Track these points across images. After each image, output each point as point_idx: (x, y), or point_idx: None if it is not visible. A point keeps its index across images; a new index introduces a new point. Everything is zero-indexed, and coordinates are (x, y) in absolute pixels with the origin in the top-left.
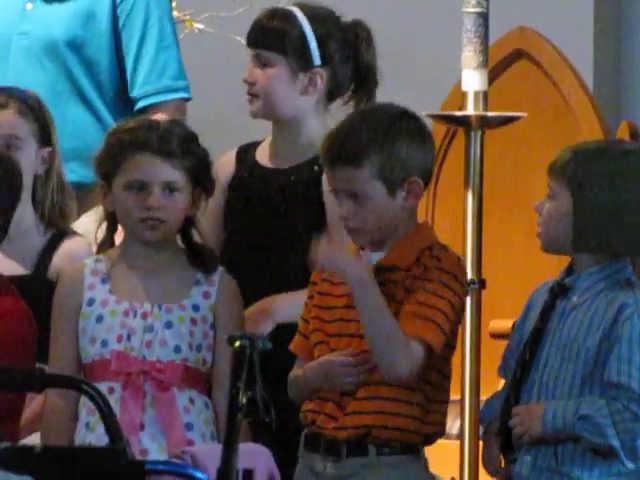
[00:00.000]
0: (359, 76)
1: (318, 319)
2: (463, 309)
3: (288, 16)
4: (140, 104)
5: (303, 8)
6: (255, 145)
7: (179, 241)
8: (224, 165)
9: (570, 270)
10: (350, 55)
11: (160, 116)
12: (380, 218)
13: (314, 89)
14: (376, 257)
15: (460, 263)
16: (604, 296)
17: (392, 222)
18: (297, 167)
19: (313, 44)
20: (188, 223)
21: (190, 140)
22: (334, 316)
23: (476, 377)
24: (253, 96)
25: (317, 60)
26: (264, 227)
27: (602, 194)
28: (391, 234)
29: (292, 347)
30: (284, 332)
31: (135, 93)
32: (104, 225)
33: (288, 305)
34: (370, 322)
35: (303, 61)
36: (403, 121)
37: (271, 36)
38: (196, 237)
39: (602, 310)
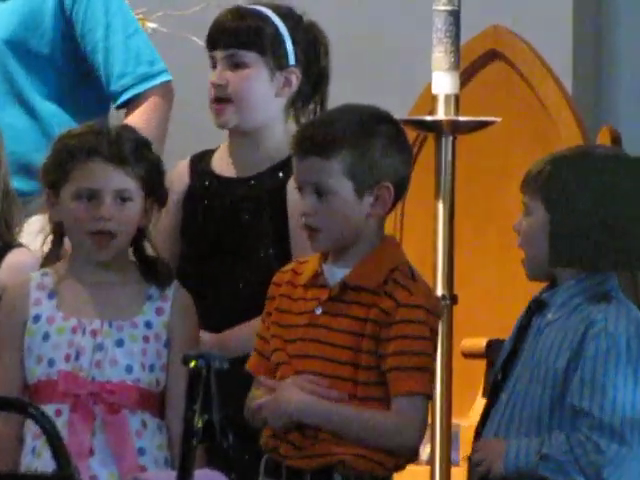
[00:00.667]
0: (314, 80)
1: (278, 338)
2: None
3: (259, 14)
4: (123, 98)
5: (269, 6)
6: (209, 154)
7: (130, 254)
8: (177, 177)
9: (552, 284)
10: (313, 57)
11: (149, 106)
12: (343, 220)
13: (289, 90)
14: (340, 273)
15: (430, 292)
16: (579, 312)
17: (356, 229)
18: (259, 175)
19: (288, 42)
20: (140, 235)
21: (143, 146)
22: (295, 335)
23: (447, 400)
24: (223, 102)
25: (292, 59)
26: (224, 240)
27: (580, 203)
28: (354, 244)
29: (248, 366)
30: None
31: (114, 88)
32: (50, 237)
33: (247, 339)
34: (346, 433)
35: (279, 60)
36: (384, 123)
37: (246, 35)
38: (148, 250)
39: (574, 327)
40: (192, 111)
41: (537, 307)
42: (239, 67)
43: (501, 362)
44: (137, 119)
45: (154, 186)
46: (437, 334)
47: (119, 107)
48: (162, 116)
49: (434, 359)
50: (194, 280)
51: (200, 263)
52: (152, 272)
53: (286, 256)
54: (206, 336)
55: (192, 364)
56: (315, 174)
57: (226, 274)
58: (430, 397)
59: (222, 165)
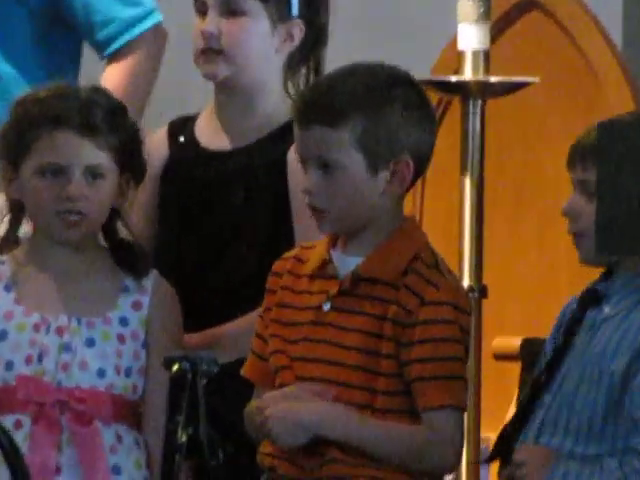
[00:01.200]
0: (311, 40)
1: (279, 338)
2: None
3: None
4: (111, 48)
5: None
6: (190, 121)
7: (102, 238)
8: (153, 147)
9: (608, 273)
10: (311, 10)
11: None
12: (353, 200)
13: (290, 45)
14: (353, 262)
15: (459, 285)
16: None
17: (369, 210)
18: (255, 144)
19: None
20: (113, 216)
21: (117, 112)
22: (298, 334)
23: (476, 408)
24: (214, 52)
25: (296, 9)
26: (213, 222)
27: (633, 178)
28: (368, 227)
29: (244, 371)
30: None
31: (99, 37)
32: (6, 218)
33: (244, 336)
34: (374, 451)
35: (282, 10)
36: (401, 86)
37: None
38: (122, 233)
39: (636, 325)
40: (170, 72)
41: (592, 299)
42: (236, 15)
43: (547, 361)
44: (123, 74)
45: (130, 159)
46: (469, 334)
47: (106, 58)
48: (153, 66)
49: (466, 363)
50: (174, 269)
51: (182, 249)
52: (128, 259)
53: (288, 241)
54: (193, 335)
55: (175, 367)
56: (320, 146)
57: (214, 263)
58: (464, 409)
59: (209, 133)
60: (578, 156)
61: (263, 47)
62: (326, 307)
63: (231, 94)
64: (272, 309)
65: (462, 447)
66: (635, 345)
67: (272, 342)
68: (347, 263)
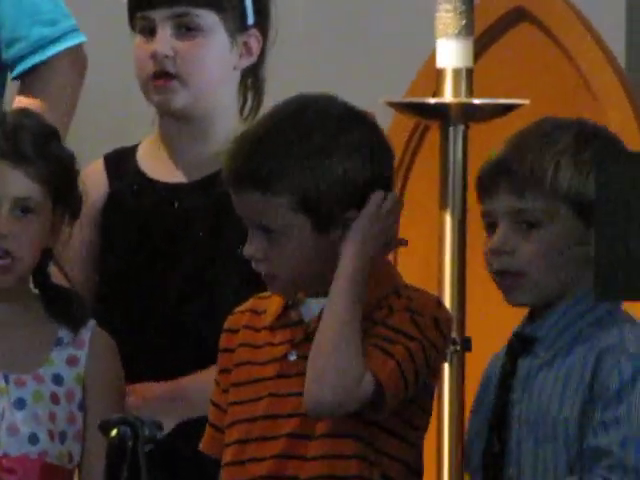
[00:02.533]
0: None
1: (239, 406)
2: (439, 366)
3: None
4: (19, 69)
5: None
6: (129, 153)
7: (31, 284)
8: (89, 183)
9: (530, 316)
10: (268, 12)
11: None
12: (303, 262)
13: (249, 58)
14: (317, 305)
15: (441, 305)
16: (582, 343)
17: (324, 266)
18: (214, 176)
19: None
20: (44, 258)
21: (49, 138)
22: (263, 391)
23: (457, 466)
24: (169, 78)
25: (251, 17)
26: (170, 267)
27: (628, 216)
28: (329, 278)
29: (203, 447)
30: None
31: (5, 56)
32: None
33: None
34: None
35: (238, 19)
36: (340, 129)
37: None
38: (55, 278)
39: (580, 363)
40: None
41: (521, 346)
42: (190, 31)
43: (490, 426)
44: (33, 100)
45: (64, 192)
46: (437, 354)
47: (16, 79)
48: (69, 94)
49: (418, 371)
50: (121, 321)
51: (127, 298)
52: (62, 308)
53: (259, 285)
54: (154, 385)
55: (113, 433)
56: (256, 213)
57: (174, 310)
58: (385, 396)
59: (156, 165)
60: (505, 183)
61: (222, 67)
62: (292, 357)
63: (184, 123)
64: (231, 370)
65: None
66: (582, 384)
67: (231, 411)
68: (313, 308)
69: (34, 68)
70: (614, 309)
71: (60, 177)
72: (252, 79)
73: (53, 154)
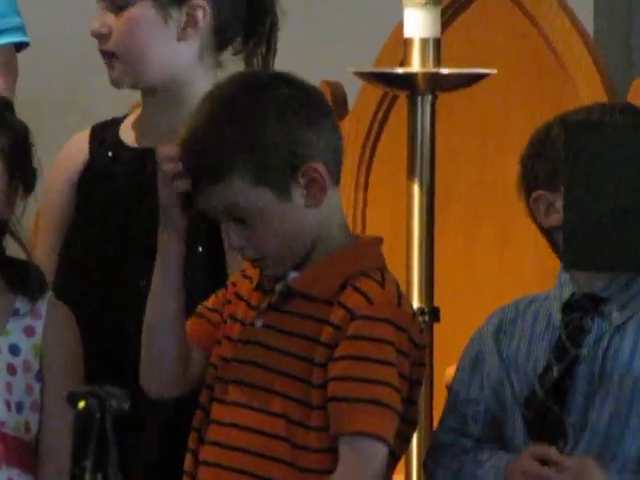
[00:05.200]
0: (253, 14)
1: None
2: (417, 364)
3: None
4: None
5: None
6: (115, 124)
7: None
8: (72, 152)
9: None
10: None
11: None
12: (284, 234)
13: (195, 30)
14: (292, 275)
15: (403, 301)
16: None
17: (306, 233)
18: None
19: None
20: (1, 230)
21: (3, 109)
22: (231, 353)
23: (426, 433)
24: (109, 55)
25: None
26: (135, 233)
27: (598, 186)
28: (315, 247)
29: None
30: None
31: None
32: None
33: None
34: None
35: None
36: (264, 96)
37: None
38: (11, 249)
39: None
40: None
41: (589, 307)
42: (121, 9)
43: (551, 380)
44: None
45: (20, 163)
46: (409, 357)
47: None
48: (7, 88)
49: (401, 393)
50: (83, 290)
51: (99, 264)
52: (19, 279)
53: (221, 256)
54: None
55: (81, 404)
56: (221, 203)
57: (136, 278)
58: (389, 444)
59: (134, 133)
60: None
61: (158, 40)
62: (258, 324)
63: (151, 95)
64: (231, 301)
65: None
66: None
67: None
68: (288, 276)
69: None
70: None
71: (15, 148)
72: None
73: (9, 124)
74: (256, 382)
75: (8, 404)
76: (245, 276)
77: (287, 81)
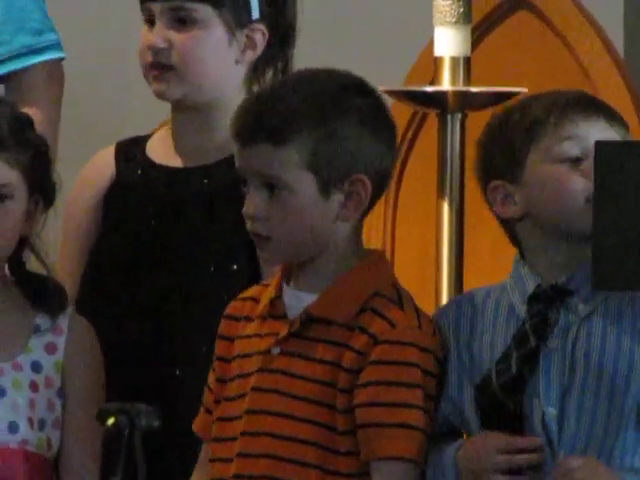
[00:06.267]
0: (277, 39)
1: (228, 401)
2: (438, 385)
3: None
4: None
5: None
6: (141, 141)
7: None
8: (97, 168)
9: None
10: (276, 7)
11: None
12: (301, 227)
13: (253, 53)
14: (306, 300)
15: (422, 320)
16: (620, 298)
17: (318, 237)
18: (216, 165)
19: None
20: (21, 245)
21: (24, 125)
22: (247, 385)
23: None
24: (164, 69)
25: (256, 11)
26: (164, 245)
27: (627, 205)
28: (321, 258)
29: (194, 426)
30: None
31: None
32: None
33: None
34: None
35: (240, 14)
36: (357, 96)
37: None
38: (31, 265)
39: (629, 319)
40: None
41: (555, 298)
42: (186, 24)
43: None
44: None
45: (40, 179)
46: (435, 377)
47: None
48: (49, 105)
49: (429, 414)
50: (107, 309)
51: (123, 278)
52: (40, 295)
53: (256, 272)
54: None
55: (111, 421)
56: (264, 166)
57: (168, 296)
58: (418, 464)
59: (162, 151)
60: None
61: (220, 60)
62: (275, 351)
63: (187, 112)
64: (229, 360)
65: None
66: (634, 346)
67: (222, 406)
68: (300, 300)
69: (12, 75)
70: None
71: (36, 164)
72: (279, 67)
73: (29, 141)
74: (281, 410)
75: (31, 422)
76: (244, 299)
77: (371, 90)
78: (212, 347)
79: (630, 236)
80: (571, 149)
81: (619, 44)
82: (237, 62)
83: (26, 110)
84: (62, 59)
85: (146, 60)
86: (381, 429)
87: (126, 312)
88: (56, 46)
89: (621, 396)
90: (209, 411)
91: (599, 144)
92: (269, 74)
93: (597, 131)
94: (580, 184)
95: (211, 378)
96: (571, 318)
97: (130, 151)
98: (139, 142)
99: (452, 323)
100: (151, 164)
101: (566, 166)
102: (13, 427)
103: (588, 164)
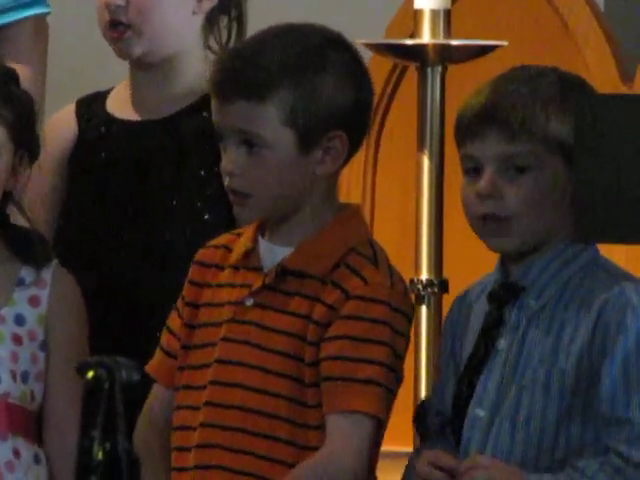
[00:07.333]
0: None
1: (198, 349)
2: (407, 346)
3: None
4: None
5: None
6: (101, 96)
7: None
8: (58, 125)
9: (503, 264)
10: None
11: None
12: (281, 183)
13: (209, 1)
14: (281, 253)
15: (395, 279)
16: (571, 292)
17: (298, 193)
18: (177, 115)
19: None
20: (4, 199)
21: (9, 80)
22: (216, 335)
23: None
24: (122, 27)
25: None
26: (135, 205)
27: (615, 154)
28: (298, 212)
29: (149, 367)
30: None
31: None
32: None
33: None
34: None
35: None
36: (333, 51)
37: None
38: (16, 218)
39: (574, 314)
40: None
41: (508, 294)
42: None
43: (465, 374)
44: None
45: (25, 134)
46: (405, 337)
47: None
48: (36, 58)
49: (395, 372)
50: (87, 261)
51: (93, 238)
52: (24, 248)
53: (230, 222)
54: None
55: (90, 374)
56: (244, 122)
57: (139, 251)
58: (380, 421)
59: (122, 106)
60: (496, 129)
61: (177, 12)
62: (248, 302)
63: (147, 69)
64: (198, 306)
65: (368, 463)
66: (579, 339)
67: (191, 354)
68: (275, 254)
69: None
70: (596, 256)
71: (21, 119)
72: (232, 15)
73: (15, 96)
74: (253, 362)
75: (14, 374)
76: (216, 246)
77: (348, 44)
78: None
79: (610, 190)
80: (468, 164)
81: None
82: (194, 13)
83: (14, 65)
84: (48, 14)
85: (104, 19)
86: (344, 383)
87: (99, 272)
88: (40, 1)
89: (563, 394)
90: (170, 354)
91: (579, 100)
92: (224, 22)
93: (491, 149)
94: (473, 200)
95: (176, 322)
96: (521, 316)
97: (91, 109)
98: (98, 98)
99: (451, 319)
100: (112, 120)
101: (469, 177)
102: None
103: (482, 183)
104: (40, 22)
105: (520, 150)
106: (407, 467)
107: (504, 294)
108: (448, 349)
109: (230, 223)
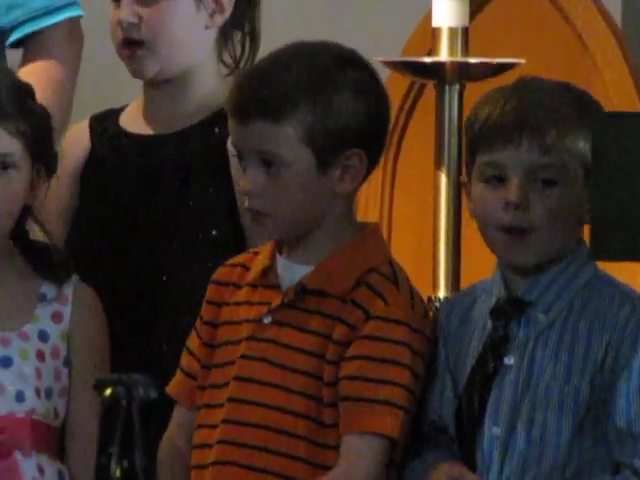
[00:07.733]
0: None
1: (217, 368)
2: (425, 367)
3: None
4: (14, 36)
5: None
6: (115, 113)
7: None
8: (72, 141)
9: (505, 278)
10: None
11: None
12: (300, 203)
13: (222, 16)
14: (299, 271)
15: (415, 299)
16: (580, 308)
17: (317, 212)
18: (187, 130)
19: None
20: (24, 215)
21: (26, 94)
22: (235, 353)
23: None
24: (136, 46)
25: None
26: (144, 214)
27: (622, 175)
28: (316, 231)
29: (169, 389)
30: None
31: (2, 22)
32: None
33: None
34: None
35: None
36: (350, 68)
37: None
38: (33, 234)
39: (584, 332)
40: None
41: (514, 310)
42: None
43: (465, 388)
44: (39, 64)
45: (42, 148)
46: (424, 358)
47: (12, 46)
48: (69, 64)
49: (415, 394)
50: (99, 275)
51: (107, 253)
52: (45, 264)
53: (239, 239)
54: None
55: (108, 392)
56: (262, 142)
57: (148, 266)
58: (396, 443)
59: (135, 121)
60: (528, 138)
61: (190, 28)
62: (267, 320)
63: (161, 87)
64: (217, 325)
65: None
66: (592, 356)
67: (211, 373)
68: (293, 272)
69: (30, 36)
70: (596, 270)
71: (38, 133)
72: (246, 30)
73: (31, 110)
74: (270, 380)
75: (38, 391)
76: (233, 265)
77: (364, 62)
78: (195, 314)
79: (627, 207)
80: (491, 171)
81: (616, 13)
82: (207, 27)
83: (45, 71)
84: (80, 17)
85: (118, 38)
86: (361, 403)
87: (108, 286)
88: (73, 4)
89: (577, 411)
90: (190, 375)
91: (598, 117)
92: (237, 38)
93: (523, 158)
94: (497, 209)
95: (195, 343)
96: (530, 332)
97: (104, 125)
98: (112, 114)
99: (440, 324)
100: (124, 134)
101: (489, 185)
102: (20, 396)
103: (512, 192)
104: (74, 25)
105: (552, 162)
106: (408, 469)
107: (509, 309)
108: (442, 357)
109: (238, 240)
